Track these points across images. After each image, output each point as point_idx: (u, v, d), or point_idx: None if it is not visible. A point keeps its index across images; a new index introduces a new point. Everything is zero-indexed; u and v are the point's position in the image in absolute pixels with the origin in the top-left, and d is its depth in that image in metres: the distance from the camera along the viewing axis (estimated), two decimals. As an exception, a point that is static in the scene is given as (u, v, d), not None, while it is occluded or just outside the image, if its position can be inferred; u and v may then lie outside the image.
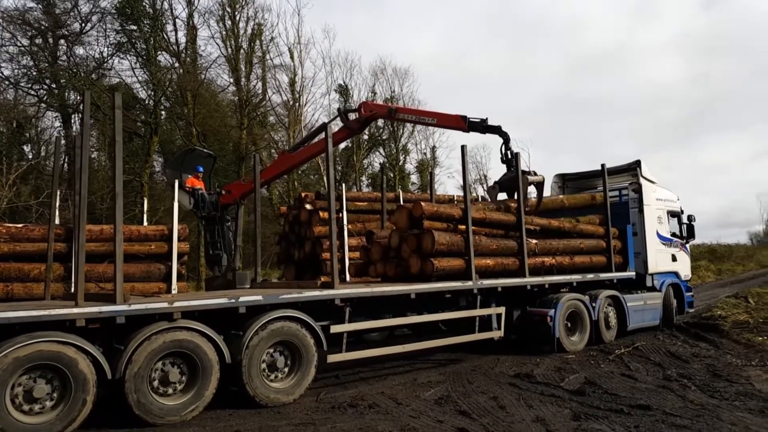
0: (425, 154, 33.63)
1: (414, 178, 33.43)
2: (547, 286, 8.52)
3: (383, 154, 31.44)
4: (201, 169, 11.13)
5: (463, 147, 8.06)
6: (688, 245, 11.51)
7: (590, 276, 9.05)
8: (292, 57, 25.64)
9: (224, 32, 24.01)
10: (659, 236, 10.47)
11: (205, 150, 12.85)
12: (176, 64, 22.84)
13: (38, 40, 21.43)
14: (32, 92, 21.81)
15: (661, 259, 10.46)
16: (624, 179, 10.71)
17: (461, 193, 9.98)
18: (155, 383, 5.04)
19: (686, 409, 5.20)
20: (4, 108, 20.47)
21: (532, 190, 8.70)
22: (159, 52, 22.19)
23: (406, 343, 7.36)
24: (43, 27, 21.22)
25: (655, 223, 10.41)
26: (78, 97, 20.32)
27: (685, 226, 11.31)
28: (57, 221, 7.49)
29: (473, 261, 7.45)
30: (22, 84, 21.22)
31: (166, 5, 22.41)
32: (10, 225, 7.32)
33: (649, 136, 73.05)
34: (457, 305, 7.61)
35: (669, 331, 10.16)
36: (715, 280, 24.61)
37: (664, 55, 79.13)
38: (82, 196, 5.23)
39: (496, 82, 64.23)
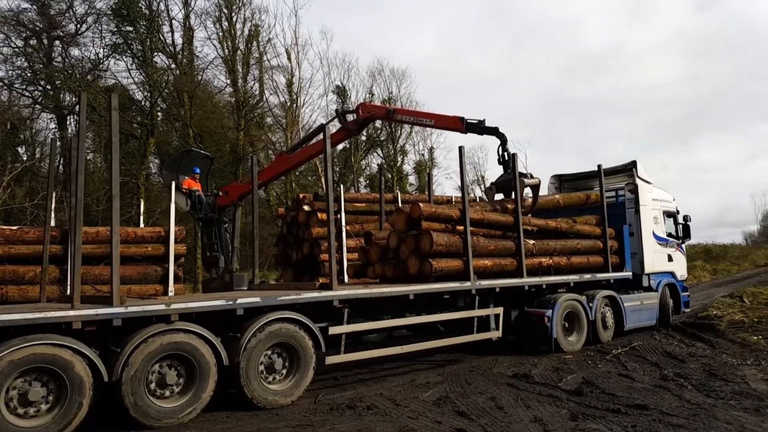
0: (423, 155, 33.71)
1: (412, 179, 33.49)
2: (544, 286, 8.54)
3: (381, 155, 31.48)
4: (198, 170, 11.09)
5: (460, 148, 8.08)
6: (683, 245, 11.57)
7: (587, 276, 9.08)
8: (289, 58, 25.64)
9: (221, 33, 23.98)
10: (655, 236, 10.52)
11: (202, 151, 12.81)
12: (173, 66, 22.79)
13: (33, 41, 21.30)
14: (27, 94, 21.69)
15: (657, 259, 10.51)
16: (620, 180, 10.76)
17: (459, 194, 10.01)
18: (152, 386, 5.02)
19: (683, 408, 5.22)
20: (-2, 109, 20.34)
21: (528, 192, 8.73)
22: (155, 54, 22.11)
23: (404, 344, 7.36)
24: (37, 28, 21.09)
25: (652, 224, 10.46)
26: (73, 99, 20.22)
27: (680, 226, 11.37)
28: (53, 223, 7.45)
29: (471, 262, 7.46)
30: (17, 85, 21.09)
31: (162, 6, 22.36)
32: (5, 227, 7.28)
33: (644, 136, 73.45)
34: (456, 306, 7.61)
35: (665, 330, 10.20)
36: (710, 280, 24.72)
37: (659, 55, 79.64)
38: (78, 198, 5.21)
39: (493, 83, 64.45)
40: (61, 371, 4.51)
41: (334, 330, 6.21)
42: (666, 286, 10.70)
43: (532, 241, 8.48)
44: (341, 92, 29.25)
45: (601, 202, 9.73)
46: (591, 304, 8.88)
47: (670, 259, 10.89)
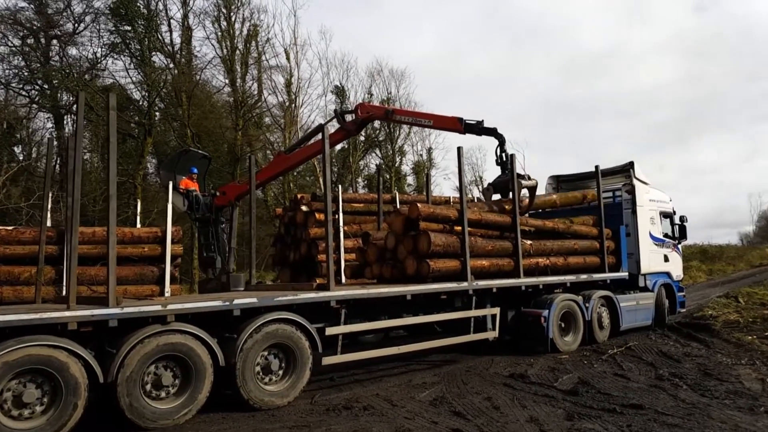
0: (421, 155, 33.74)
1: (410, 179, 33.52)
2: (541, 286, 8.55)
3: (380, 155, 31.47)
4: (195, 170, 11.06)
5: (459, 149, 8.09)
6: (680, 246, 11.61)
7: (584, 276, 9.11)
8: (288, 58, 25.61)
9: (220, 33, 23.96)
10: (652, 237, 10.55)
11: (199, 151, 12.77)
12: (171, 65, 22.74)
13: (30, 40, 21.22)
14: (24, 93, 21.59)
15: (653, 259, 10.54)
16: (617, 180, 10.79)
17: (457, 195, 10.02)
18: (148, 387, 5.01)
19: (678, 407, 5.25)
20: (-6, 109, 20.26)
21: (525, 193, 8.75)
22: (153, 53, 22.08)
23: (401, 344, 7.36)
24: (35, 27, 21.02)
25: (648, 224, 10.49)
26: (71, 98, 20.14)
27: (677, 226, 11.41)
28: (49, 223, 7.42)
29: (469, 262, 7.47)
30: (14, 84, 21.00)
31: (160, 6, 22.33)
32: (1, 227, 7.24)
33: (644, 137, 73.65)
34: (453, 306, 7.62)
35: (661, 330, 10.24)
36: (706, 280, 24.81)
37: (657, 57, 79.86)
38: (74, 198, 5.20)
39: (493, 83, 64.55)
40: (56, 372, 4.50)
41: (331, 331, 6.21)
42: (662, 286, 10.74)
43: (529, 242, 8.50)
44: (340, 92, 29.25)
45: (599, 203, 9.76)
46: (587, 305, 8.90)
47: (666, 259, 10.93)
